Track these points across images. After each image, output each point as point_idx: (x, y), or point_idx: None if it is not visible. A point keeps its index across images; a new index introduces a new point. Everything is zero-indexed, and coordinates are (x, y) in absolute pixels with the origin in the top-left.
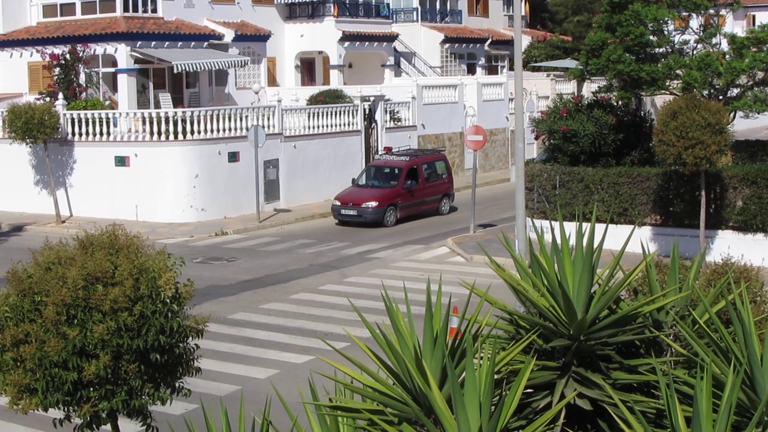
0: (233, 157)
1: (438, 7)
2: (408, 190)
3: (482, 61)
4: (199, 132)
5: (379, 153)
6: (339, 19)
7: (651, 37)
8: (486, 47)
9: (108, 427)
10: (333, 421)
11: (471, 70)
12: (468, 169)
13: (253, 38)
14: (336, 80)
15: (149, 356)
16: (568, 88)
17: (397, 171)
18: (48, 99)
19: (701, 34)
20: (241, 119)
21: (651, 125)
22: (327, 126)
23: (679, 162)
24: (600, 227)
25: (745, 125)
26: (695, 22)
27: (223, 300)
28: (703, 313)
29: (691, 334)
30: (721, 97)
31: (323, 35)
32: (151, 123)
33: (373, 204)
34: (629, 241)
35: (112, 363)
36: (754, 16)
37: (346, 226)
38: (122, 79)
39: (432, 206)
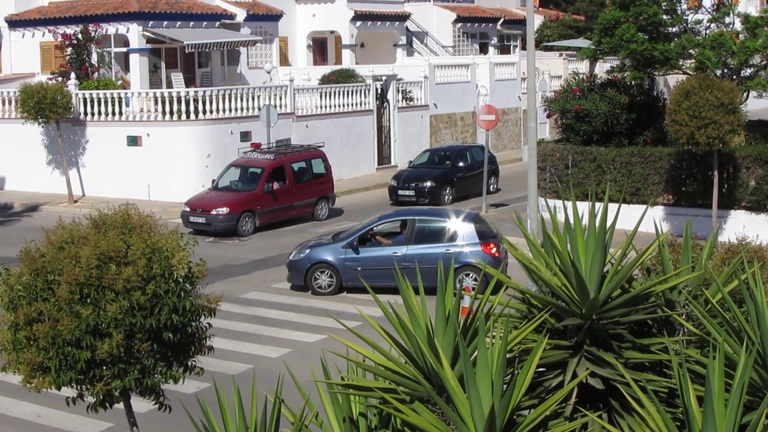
0: (245, 136)
1: None
2: (270, 193)
3: (494, 40)
4: (211, 112)
5: (245, 150)
6: None
7: (664, 17)
8: (498, 27)
9: (121, 405)
10: (345, 400)
11: (483, 49)
12: None
13: (265, 18)
14: (348, 60)
15: (162, 335)
16: (581, 67)
17: (258, 171)
18: (60, 79)
19: (714, 13)
20: (253, 99)
21: (664, 105)
22: (339, 106)
23: (691, 142)
24: (613, 207)
25: (758, 105)
26: (708, 2)
27: (236, 279)
28: (716, 293)
29: (703, 314)
30: (734, 77)
31: (335, 15)
32: (164, 103)
33: (224, 210)
34: (642, 220)
35: (125, 342)
36: None
37: (199, 235)
38: (134, 58)
39: (305, 211)
